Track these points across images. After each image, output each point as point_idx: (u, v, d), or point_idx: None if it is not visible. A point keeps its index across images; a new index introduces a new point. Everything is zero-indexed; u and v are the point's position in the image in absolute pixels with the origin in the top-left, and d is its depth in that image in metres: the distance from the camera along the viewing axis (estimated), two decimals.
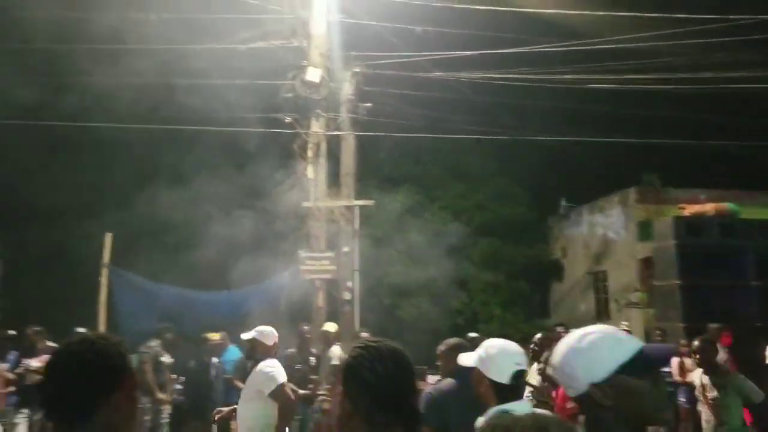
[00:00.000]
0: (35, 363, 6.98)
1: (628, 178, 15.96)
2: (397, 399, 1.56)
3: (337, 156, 10.72)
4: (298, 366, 7.43)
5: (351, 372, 1.58)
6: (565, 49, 11.18)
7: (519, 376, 2.55)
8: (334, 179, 10.71)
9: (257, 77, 10.19)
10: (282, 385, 4.46)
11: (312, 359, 7.64)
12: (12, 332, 7.63)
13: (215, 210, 9.74)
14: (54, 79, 9.61)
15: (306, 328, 7.98)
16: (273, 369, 4.55)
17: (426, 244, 14.66)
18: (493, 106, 13.64)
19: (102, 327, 9.08)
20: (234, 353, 8.31)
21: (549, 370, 3.48)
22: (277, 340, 4.97)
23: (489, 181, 17.51)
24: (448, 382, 3.45)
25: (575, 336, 1.46)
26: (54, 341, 7.62)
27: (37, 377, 6.85)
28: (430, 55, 11.55)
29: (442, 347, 3.74)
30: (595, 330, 1.46)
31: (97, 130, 9.28)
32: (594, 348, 1.40)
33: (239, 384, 7.65)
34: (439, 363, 3.85)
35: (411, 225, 14.86)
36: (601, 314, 16.66)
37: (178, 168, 9.94)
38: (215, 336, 8.30)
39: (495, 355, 2.58)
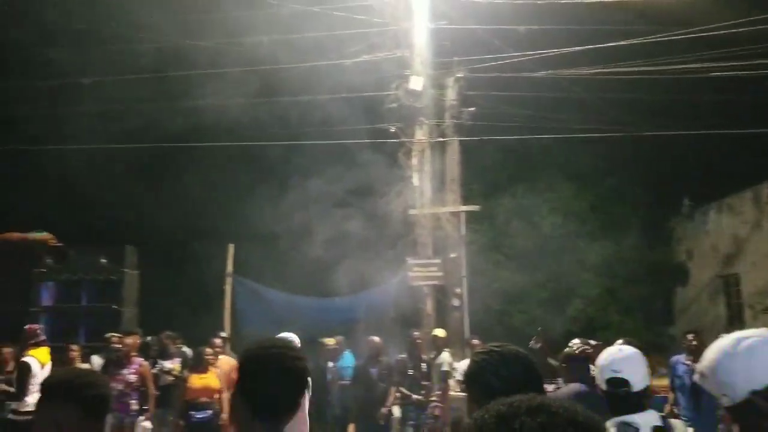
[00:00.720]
0: (169, 365, 7.60)
1: (759, 174, 14.55)
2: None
3: (443, 162, 10.72)
4: (410, 371, 7.49)
5: (476, 377, 1.56)
6: (681, 36, 10.44)
7: (616, 384, 2.41)
8: (440, 185, 10.72)
9: (363, 90, 10.45)
10: None
11: (423, 365, 7.67)
12: (149, 337, 8.36)
13: (326, 220, 10.09)
14: (187, 99, 10.45)
15: (416, 333, 8.03)
16: None
17: (536, 248, 14.27)
18: (604, 102, 13.01)
19: (227, 332, 9.69)
20: (349, 359, 8.57)
21: (695, 377, 3.20)
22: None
23: (602, 180, 16.69)
24: (574, 387, 3.38)
25: (729, 341, 1.36)
26: (187, 345, 8.27)
27: (171, 378, 7.46)
28: (535, 54, 11.26)
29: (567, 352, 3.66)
30: (752, 334, 1.35)
31: (218, 147, 9.99)
32: (754, 353, 1.30)
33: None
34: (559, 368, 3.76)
35: (519, 229, 14.51)
36: (734, 321, 15.26)
37: (290, 181, 10.42)
38: (331, 341, 8.57)
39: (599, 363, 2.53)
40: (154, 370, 7.51)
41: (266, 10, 10.07)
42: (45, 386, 1.99)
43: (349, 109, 10.33)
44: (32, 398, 6.27)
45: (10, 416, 6.47)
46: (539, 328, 8.27)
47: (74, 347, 8.03)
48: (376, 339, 7.99)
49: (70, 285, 10.33)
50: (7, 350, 7.57)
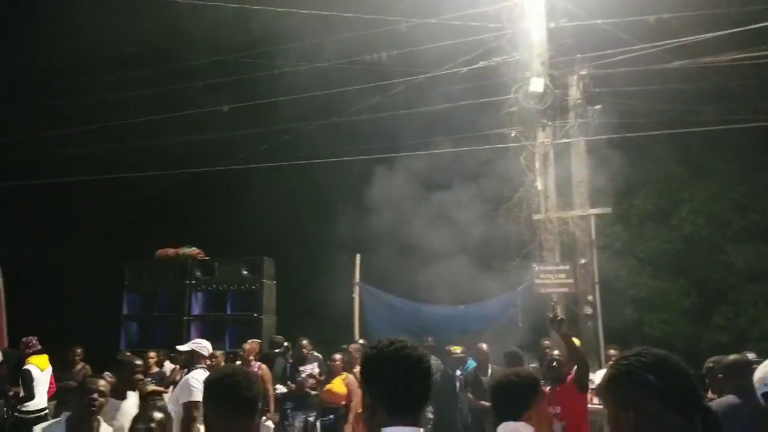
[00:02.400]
0: (308, 369, 8.03)
1: None
2: (689, 397, 1.44)
3: (568, 164, 10.35)
4: (542, 382, 7.28)
5: (630, 377, 1.49)
6: None
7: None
8: (566, 189, 10.36)
9: (482, 96, 10.41)
10: (193, 403, 4.41)
11: None
12: (286, 343, 8.88)
13: (449, 227, 10.14)
14: (315, 114, 11.09)
15: (547, 342, 7.80)
16: (197, 383, 4.47)
17: (675, 251, 13.27)
18: (747, 90, 11.85)
19: (356, 334, 10.04)
20: (474, 365, 8.52)
21: None
22: (210, 351, 5.51)
23: (750, 176, 15.15)
24: (730, 399, 3.21)
25: None
26: (319, 352, 8.70)
27: (311, 382, 7.87)
28: (666, 44, 10.54)
29: (715, 364, 3.43)
30: None
31: (346, 162, 10.46)
32: None
33: (470, 396, 7.84)
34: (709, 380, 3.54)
35: (654, 232, 13.59)
36: None
37: (413, 191, 10.61)
38: (457, 349, 8.57)
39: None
40: (302, 376, 7.97)
41: (385, 27, 10.38)
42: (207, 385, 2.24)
43: (468, 116, 10.33)
44: (38, 399, 7.45)
45: (17, 414, 7.40)
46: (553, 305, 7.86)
47: (218, 353, 8.70)
48: (484, 347, 7.92)
49: (216, 295, 11.26)
50: (152, 354, 8.42)
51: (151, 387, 6.93)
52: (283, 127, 11.59)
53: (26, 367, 7.66)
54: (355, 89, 10.48)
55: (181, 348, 5.84)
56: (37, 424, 7.39)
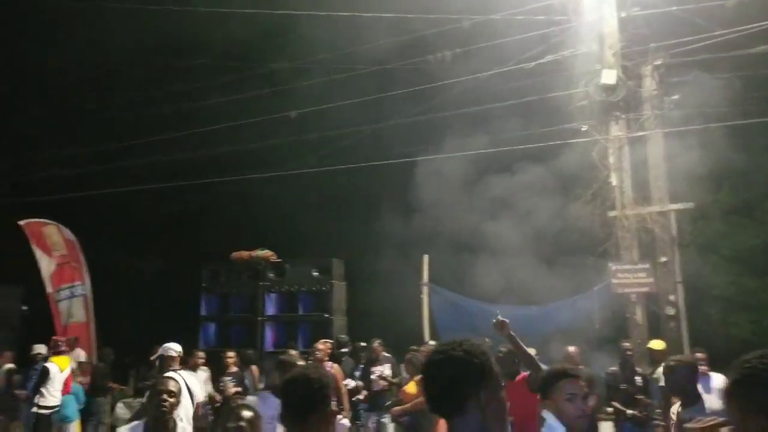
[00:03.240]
0: (379, 370, 8.06)
1: None
2: None
3: (645, 158, 9.91)
4: (623, 386, 7.00)
5: (760, 381, 1.40)
6: None
7: None
8: (642, 183, 9.92)
9: (551, 91, 10.14)
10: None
11: (637, 379, 7.11)
12: (362, 344, 8.96)
13: (520, 226, 9.93)
14: (388, 116, 11.15)
15: (627, 345, 7.49)
16: None
17: (762, 248, 12.46)
18: None
19: (426, 335, 9.99)
20: None
21: None
22: (179, 353, 6.10)
23: None
24: None
25: None
26: (389, 352, 8.71)
27: (383, 383, 7.90)
28: (746, 29, 9.90)
29: None
30: None
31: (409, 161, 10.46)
32: None
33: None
34: None
35: (740, 227, 12.80)
36: None
37: (482, 189, 10.47)
38: (530, 351, 8.34)
39: None
40: (373, 377, 8.02)
41: (450, 25, 10.30)
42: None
43: (538, 112, 10.09)
44: (54, 396, 7.97)
45: (34, 410, 8.01)
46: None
47: (293, 352, 8.88)
48: (572, 349, 7.63)
49: (288, 296, 11.53)
50: (231, 354, 8.70)
51: (233, 388, 7.16)
52: (352, 129, 11.71)
53: (46, 365, 8.33)
54: (421, 89, 10.44)
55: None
56: (53, 418, 8.03)
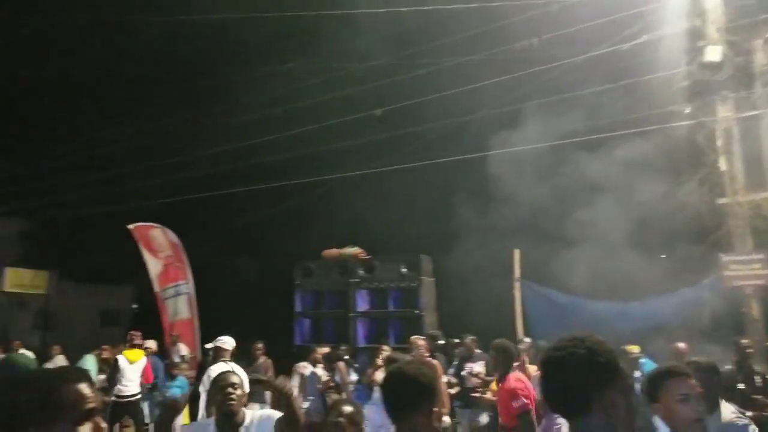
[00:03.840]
0: (477, 368, 7.92)
1: None
2: None
3: (757, 140, 9.11)
4: (740, 386, 6.46)
5: None
6: None
7: None
8: (755, 168, 9.12)
9: (649, 73, 9.55)
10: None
11: (756, 378, 6.53)
12: (456, 340, 8.86)
13: (620, 216, 9.42)
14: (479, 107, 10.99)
15: (745, 341, 6.90)
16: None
17: None
18: None
19: (519, 336, 9.71)
20: (650, 366, 7.79)
21: None
22: (233, 347, 6.92)
23: None
24: None
25: None
26: (481, 348, 8.54)
27: (477, 381, 7.76)
28: None
29: None
30: None
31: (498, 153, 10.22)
32: None
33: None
34: None
35: None
36: None
37: (577, 179, 10.05)
38: (634, 349, 7.91)
39: None
40: (463, 373, 7.91)
41: (536, 10, 9.95)
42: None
43: (635, 95, 9.53)
44: (127, 386, 8.58)
45: (113, 398, 8.54)
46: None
47: (386, 348, 8.92)
48: (681, 345, 7.10)
49: (378, 292, 11.63)
50: (321, 351, 8.92)
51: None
52: (439, 123, 11.62)
53: (117, 357, 9.00)
54: (508, 78, 10.16)
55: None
56: (129, 407, 8.53)
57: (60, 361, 11.07)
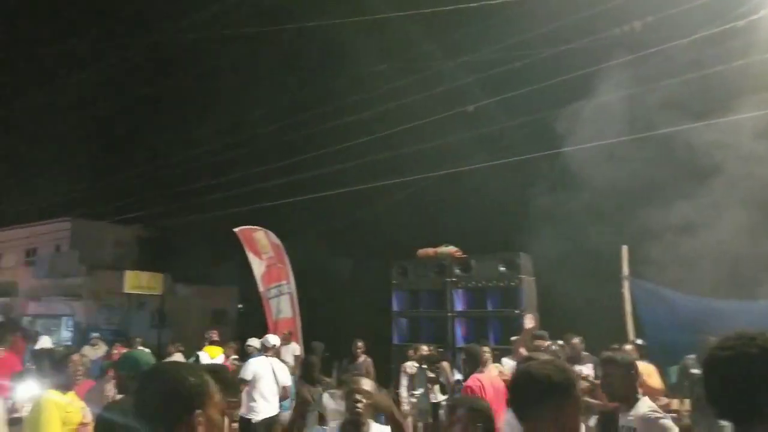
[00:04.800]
0: (586, 370, 7.53)
1: None
2: None
3: None
4: None
5: None
6: None
7: None
8: None
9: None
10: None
11: None
12: (559, 342, 8.49)
13: (739, 208, 8.64)
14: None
15: None
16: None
17: None
18: None
19: (630, 337, 9.16)
20: None
21: None
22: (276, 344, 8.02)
23: None
24: None
25: None
26: (590, 351, 8.12)
27: (586, 384, 7.36)
28: None
29: None
30: None
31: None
32: None
33: None
34: None
35: None
36: None
37: (692, 169, 9.34)
38: None
39: None
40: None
41: None
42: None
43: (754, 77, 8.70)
44: None
45: None
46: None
47: (486, 349, 8.71)
48: None
49: (476, 292, 11.41)
50: (425, 349, 8.83)
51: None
52: (535, 116, 11.24)
53: (198, 353, 9.25)
54: (610, 65, 9.62)
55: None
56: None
57: (177, 358, 11.83)
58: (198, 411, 1.52)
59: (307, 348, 11.49)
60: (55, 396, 3.83)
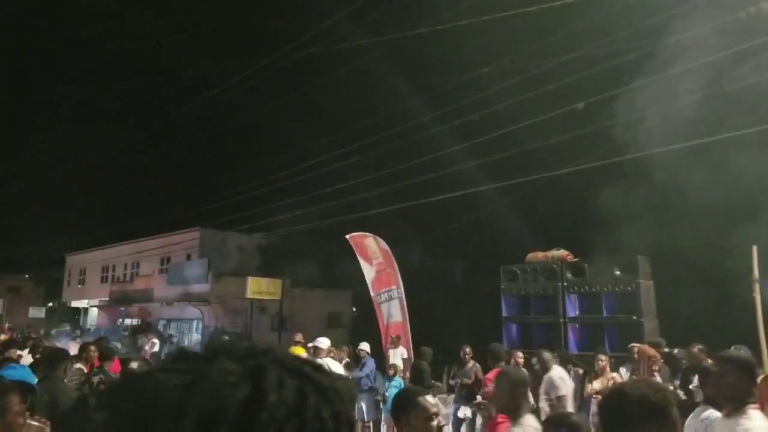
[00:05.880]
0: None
1: None
2: None
3: None
4: None
5: None
6: None
7: None
8: None
9: None
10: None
11: None
12: (675, 350, 8.06)
13: None
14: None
15: None
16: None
17: None
18: None
19: (763, 344, 8.44)
20: None
21: None
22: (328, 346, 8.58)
23: None
24: None
25: None
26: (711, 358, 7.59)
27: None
28: None
29: None
30: None
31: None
32: None
33: None
34: None
35: None
36: None
37: None
38: None
39: None
40: (691, 386, 7.15)
41: None
42: None
43: None
44: None
45: None
46: None
47: (602, 357, 8.42)
48: None
49: (590, 297, 11.02)
50: (468, 349, 8.81)
51: None
52: (649, 111, 10.69)
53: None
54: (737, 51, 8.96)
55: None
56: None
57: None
58: None
59: (417, 353, 11.70)
60: None
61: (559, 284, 11.22)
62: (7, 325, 24.65)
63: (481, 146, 13.56)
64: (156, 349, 13.33)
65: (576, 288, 11.14)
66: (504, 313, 12.09)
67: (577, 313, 11.19)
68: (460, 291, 17.99)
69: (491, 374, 6.13)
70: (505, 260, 12.61)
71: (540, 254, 11.90)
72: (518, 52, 14.33)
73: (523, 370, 5.94)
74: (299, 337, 11.20)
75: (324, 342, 8.73)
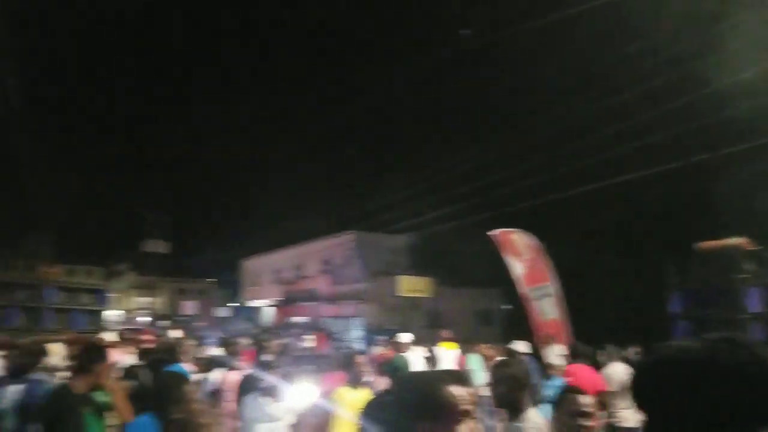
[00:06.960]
0: None
1: None
2: None
3: None
4: None
5: None
6: None
7: None
8: None
9: None
10: None
11: None
12: None
13: None
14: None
15: None
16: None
17: None
18: None
19: None
20: None
21: None
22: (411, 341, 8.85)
23: None
24: None
25: None
26: None
27: None
28: None
29: None
30: None
31: None
32: None
33: None
34: None
35: None
36: None
37: None
38: None
39: None
40: None
41: None
42: None
43: None
44: None
45: None
46: None
47: None
48: None
49: None
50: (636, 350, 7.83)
51: None
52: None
53: (434, 347, 10.28)
54: None
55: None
56: None
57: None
58: (428, 423, 1.55)
59: (574, 351, 11.11)
60: (346, 391, 4.40)
61: (737, 276, 10.00)
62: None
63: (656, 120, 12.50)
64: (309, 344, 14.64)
65: (758, 280, 9.85)
66: (674, 309, 11.09)
67: (760, 308, 9.88)
68: (619, 285, 16.75)
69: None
70: (671, 252, 11.51)
71: (714, 243, 10.70)
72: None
73: (527, 363, 5.99)
74: (446, 333, 11.47)
75: (405, 337, 8.93)
